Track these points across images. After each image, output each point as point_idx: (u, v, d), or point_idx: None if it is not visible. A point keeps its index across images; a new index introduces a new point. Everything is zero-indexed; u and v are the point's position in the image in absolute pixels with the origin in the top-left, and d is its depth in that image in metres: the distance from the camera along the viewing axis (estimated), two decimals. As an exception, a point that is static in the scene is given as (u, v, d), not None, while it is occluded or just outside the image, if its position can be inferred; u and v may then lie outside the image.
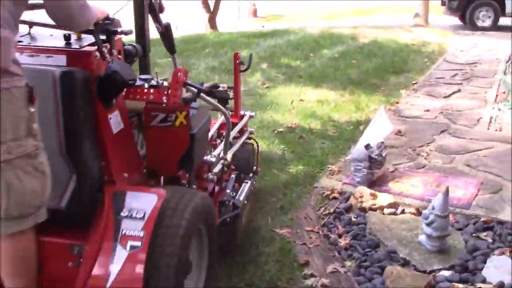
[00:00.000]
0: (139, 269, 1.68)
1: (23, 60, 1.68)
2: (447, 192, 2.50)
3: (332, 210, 3.02)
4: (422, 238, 2.60)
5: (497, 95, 5.74)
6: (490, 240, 2.66)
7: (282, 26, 12.30)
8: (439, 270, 2.43)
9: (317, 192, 3.28)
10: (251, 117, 3.25)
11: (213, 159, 2.48)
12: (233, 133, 2.83)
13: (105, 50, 1.84)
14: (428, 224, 2.52)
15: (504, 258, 2.43)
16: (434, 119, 4.82)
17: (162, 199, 1.80)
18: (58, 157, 1.76)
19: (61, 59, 1.79)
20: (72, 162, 1.78)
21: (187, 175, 2.31)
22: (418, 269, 2.43)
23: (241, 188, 2.68)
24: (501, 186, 3.32)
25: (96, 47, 1.82)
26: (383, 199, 3.03)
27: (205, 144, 2.41)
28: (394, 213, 2.95)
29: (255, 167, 3.13)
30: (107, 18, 1.87)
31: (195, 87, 2.08)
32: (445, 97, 5.60)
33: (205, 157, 2.45)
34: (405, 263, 2.48)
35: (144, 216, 1.75)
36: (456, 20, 13.57)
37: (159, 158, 2.14)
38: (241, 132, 3.02)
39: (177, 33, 10.19)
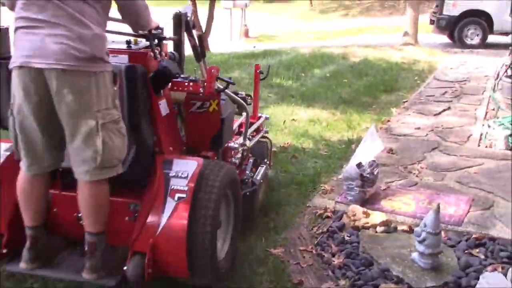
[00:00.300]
0: (185, 214, 2.19)
1: None
2: (438, 209, 2.52)
3: (325, 229, 3.03)
4: (415, 255, 2.62)
5: (486, 112, 5.81)
6: (483, 257, 2.68)
7: (273, 46, 12.43)
8: (433, 287, 2.44)
9: (310, 211, 3.29)
10: (266, 119, 3.82)
11: (236, 146, 3.06)
12: (251, 129, 3.38)
13: (156, 51, 2.44)
14: (420, 242, 2.54)
15: (496, 274, 2.44)
16: (425, 137, 4.86)
17: (200, 165, 2.33)
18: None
19: (124, 58, 2.40)
20: (132, 136, 2.30)
21: (215, 157, 2.79)
22: (411, 286, 2.44)
23: (257, 171, 3.27)
24: (492, 202, 3.35)
25: (149, 49, 2.43)
26: (376, 217, 3.05)
27: (231, 128, 2.99)
28: (387, 231, 2.97)
29: (267, 161, 3.61)
30: (158, 27, 2.50)
31: (225, 80, 2.74)
32: (435, 115, 5.66)
33: (229, 144, 3.00)
34: (399, 281, 2.49)
35: (187, 176, 2.28)
36: (445, 38, 13.76)
37: (195, 138, 2.75)
38: (258, 130, 3.61)
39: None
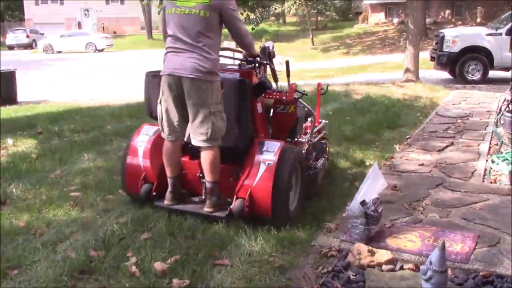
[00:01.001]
0: (271, 175, 3.46)
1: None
2: (443, 246, 2.50)
3: (330, 268, 3.00)
4: (421, 294, 2.58)
5: (490, 147, 5.82)
6: (491, 295, 2.64)
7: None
8: (441, 327, 2.40)
9: (315, 250, 3.26)
10: (326, 123, 5.18)
11: (304, 140, 4.28)
12: (315, 130, 4.53)
13: (257, 71, 3.84)
14: (426, 280, 2.51)
15: (505, 312, 2.41)
16: (429, 173, 4.86)
17: (282, 145, 3.60)
18: (234, 122, 3.57)
19: (237, 74, 3.72)
20: (239, 124, 3.60)
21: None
22: (419, 326, 2.40)
23: (318, 161, 4.46)
24: (499, 238, 3.32)
25: (253, 69, 3.81)
26: (381, 255, 3.02)
27: (302, 126, 4.39)
28: (393, 270, 2.93)
29: (326, 155, 4.83)
30: (258, 55, 3.86)
31: (301, 92, 4.23)
32: (438, 151, 5.67)
33: (299, 138, 4.20)
34: (406, 321, 2.45)
35: (274, 151, 3.55)
36: (446, 75, 13.89)
37: (278, 130, 4.04)
38: (319, 131, 4.80)
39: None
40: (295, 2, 35.78)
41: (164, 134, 3.63)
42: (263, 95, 3.89)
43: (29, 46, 37.47)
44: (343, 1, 40.51)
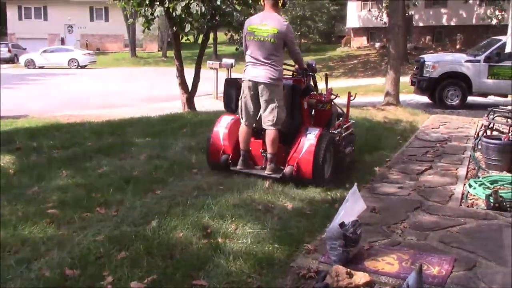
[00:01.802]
0: (312, 149, 5.02)
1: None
2: (420, 270, 2.52)
3: (308, 290, 2.99)
4: (398, 317, 2.59)
5: (467, 172, 5.90)
6: (466, 318, 2.66)
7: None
8: None
9: (294, 271, 3.25)
10: (353, 122, 6.62)
11: (336, 132, 5.67)
12: (345, 126, 5.95)
13: (304, 79, 5.55)
14: (403, 303, 2.52)
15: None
16: (407, 196, 4.91)
17: (320, 131, 5.18)
18: (288, 114, 5.22)
19: (290, 81, 5.44)
20: (292, 116, 5.27)
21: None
22: None
23: (347, 149, 5.88)
24: (475, 262, 3.35)
25: (302, 77, 5.53)
26: (359, 277, 3.02)
27: (335, 120, 5.83)
28: (371, 292, 2.94)
29: (353, 145, 6.22)
30: (305, 68, 5.52)
31: (334, 95, 5.67)
32: (417, 174, 5.73)
33: (332, 130, 5.64)
34: None
35: (315, 134, 5.12)
36: (426, 99, 14.12)
37: (318, 123, 5.50)
38: (348, 128, 6.16)
39: (155, 113, 10.37)
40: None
41: (242, 120, 5.28)
42: (308, 96, 5.57)
43: (10, 60, 37.15)
44: (327, 24, 41.08)
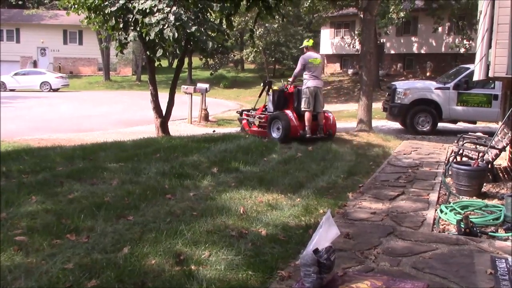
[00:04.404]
0: (332, 118, 10.72)
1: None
2: (393, 296, 2.52)
3: (282, 317, 2.97)
4: None
5: (439, 197, 5.98)
6: None
7: (232, 130, 12.64)
8: None
9: (267, 299, 3.23)
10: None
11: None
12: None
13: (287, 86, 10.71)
14: (377, 330, 2.51)
15: None
16: (380, 222, 4.94)
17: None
18: None
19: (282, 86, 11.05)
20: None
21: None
22: None
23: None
24: (447, 288, 3.38)
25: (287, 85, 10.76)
26: (333, 304, 3.01)
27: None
28: (345, 319, 2.92)
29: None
30: (290, 81, 10.70)
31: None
32: (390, 200, 5.79)
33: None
34: None
35: (331, 115, 10.83)
36: (398, 125, 14.34)
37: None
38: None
39: (129, 137, 10.28)
40: (253, 50, 36.55)
41: (309, 109, 9.76)
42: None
43: (-20, 83, 36.54)
44: (300, 51, 41.62)
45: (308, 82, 9.82)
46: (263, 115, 10.77)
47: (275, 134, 10.05)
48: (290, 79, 10.53)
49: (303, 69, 9.91)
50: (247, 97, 31.05)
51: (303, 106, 9.77)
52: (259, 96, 11.72)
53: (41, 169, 6.63)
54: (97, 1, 9.97)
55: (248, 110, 11.79)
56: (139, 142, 9.46)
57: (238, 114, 12.13)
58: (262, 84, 11.48)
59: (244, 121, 11.49)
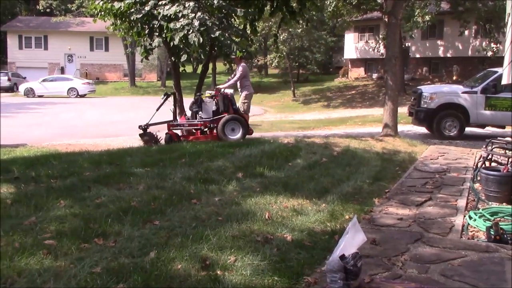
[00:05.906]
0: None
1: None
2: (423, 304, 2.48)
3: (309, 324, 2.95)
4: None
5: (467, 203, 5.88)
6: None
7: (256, 135, 12.65)
8: None
9: (294, 305, 3.21)
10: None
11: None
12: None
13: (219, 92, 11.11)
14: (406, 339, 2.47)
15: None
16: (407, 228, 4.87)
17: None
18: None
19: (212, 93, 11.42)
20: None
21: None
22: None
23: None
24: (477, 296, 3.31)
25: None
26: (360, 312, 2.98)
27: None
28: (372, 327, 2.89)
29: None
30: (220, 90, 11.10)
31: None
32: (417, 205, 5.71)
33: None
34: None
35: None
36: (424, 129, 14.17)
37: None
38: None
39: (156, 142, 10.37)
40: (277, 55, 36.59)
41: (248, 112, 10.56)
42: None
43: (10, 89, 37.37)
44: (324, 55, 41.55)
45: (250, 89, 11.31)
46: (203, 122, 10.88)
47: (231, 136, 10.70)
48: (225, 85, 11.40)
49: (244, 77, 11.16)
50: (271, 102, 31.10)
51: (245, 109, 11.18)
52: (157, 110, 10.99)
53: (69, 174, 6.72)
54: (123, 8, 10.12)
55: (164, 122, 11.28)
56: (165, 147, 9.53)
57: (141, 130, 11.35)
58: (163, 97, 11.08)
59: (174, 132, 11.21)
